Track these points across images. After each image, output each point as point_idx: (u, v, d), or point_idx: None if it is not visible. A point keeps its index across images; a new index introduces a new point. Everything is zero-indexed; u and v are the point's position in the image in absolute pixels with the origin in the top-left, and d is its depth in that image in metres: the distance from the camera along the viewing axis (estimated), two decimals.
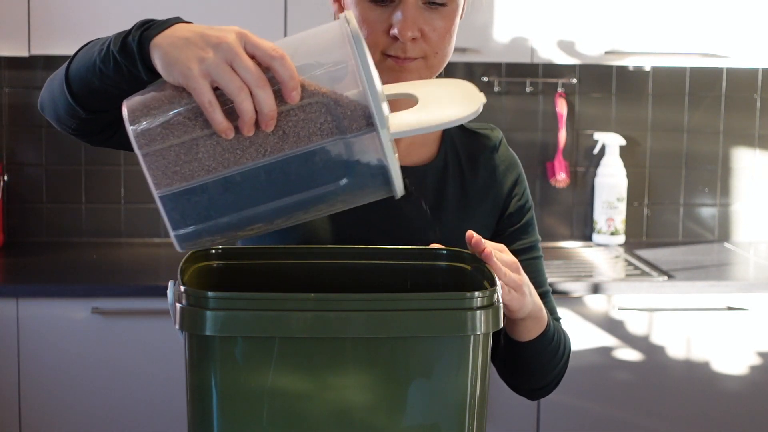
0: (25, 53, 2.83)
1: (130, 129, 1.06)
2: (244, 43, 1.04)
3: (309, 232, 1.41)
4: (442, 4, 1.35)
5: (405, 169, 1.44)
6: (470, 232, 1.23)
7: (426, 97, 1.18)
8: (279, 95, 1.04)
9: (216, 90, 1.03)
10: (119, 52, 1.12)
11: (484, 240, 1.24)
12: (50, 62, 3.15)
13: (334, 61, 1.06)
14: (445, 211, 1.45)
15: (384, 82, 1.38)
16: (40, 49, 2.82)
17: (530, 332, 1.37)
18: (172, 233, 1.11)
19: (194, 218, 1.09)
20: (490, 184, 1.49)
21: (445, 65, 1.42)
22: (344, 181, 1.08)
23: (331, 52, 1.06)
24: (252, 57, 1.03)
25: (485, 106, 1.22)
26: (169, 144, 1.05)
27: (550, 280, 2.73)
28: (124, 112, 1.07)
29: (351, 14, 1.09)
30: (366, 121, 1.05)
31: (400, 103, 1.21)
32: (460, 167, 1.48)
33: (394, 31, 1.33)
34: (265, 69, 1.03)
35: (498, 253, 1.25)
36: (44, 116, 1.29)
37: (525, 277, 1.29)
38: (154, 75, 1.10)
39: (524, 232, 1.51)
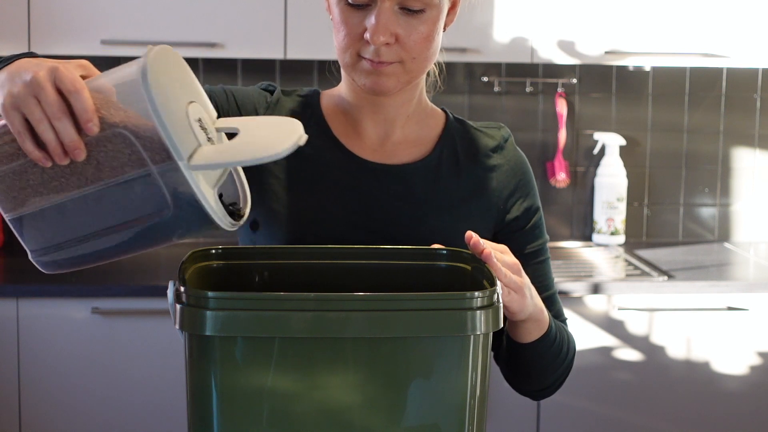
0: None
1: None
2: (54, 77, 1.09)
3: (295, 232, 1.41)
4: (420, 10, 1.34)
5: (390, 168, 1.44)
6: (469, 233, 1.23)
7: (247, 133, 1.19)
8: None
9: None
10: None
11: (484, 240, 1.23)
12: None
13: (132, 93, 1.10)
14: (436, 209, 1.44)
15: (362, 84, 1.38)
16: (40, 49, 2.82)
17: (531, 334, 1.37)
18: (30, 255, 1.18)
19: (42, 242, 1.16)
20: (489, 184, 1.48)
21: (426, 69, 1.41)
22: (167, 211, 1.11)
23: (129, 85, 1.10)
24: (60, 91, 1.09)
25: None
26: (2, 172, 1.14)
27: None
28: None
29: (156, 49, 1.11)
30: (166, 152, 1.09)
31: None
32: (456, 166, 1.47)
33: (367, 35, 1.33)
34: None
35: (499, 254, 1.25)
36: None
37: (526, 279, 1.28)
38: None
39: (532, 236, 1.50)
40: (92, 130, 1.09)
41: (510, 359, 1.44)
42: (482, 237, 1.35)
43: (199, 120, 1.16)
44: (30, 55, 1.20)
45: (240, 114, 1.45)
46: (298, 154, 1.41)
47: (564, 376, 1.48)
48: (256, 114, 1.46)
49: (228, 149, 1.15)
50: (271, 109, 1.47)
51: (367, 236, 1.40)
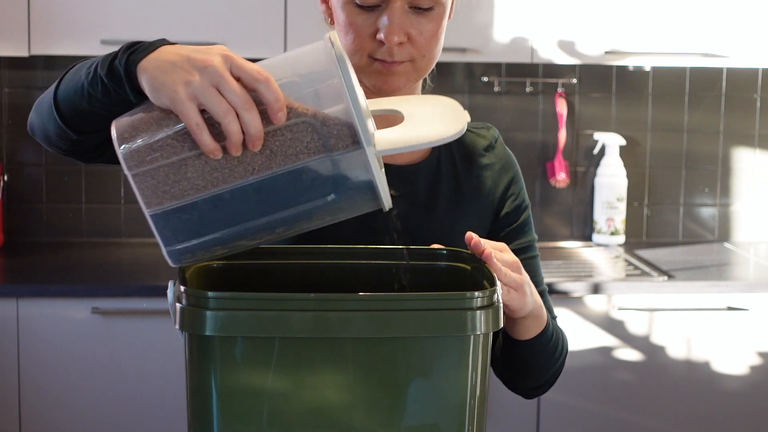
0: (25, 53, 2.83)
1: (119, 150, 1.08)
2: (230, 65, 1.06)
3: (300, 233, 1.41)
4: (429, 8, 1.35)
5: (395, 169, 1.44)
6: (470, 234, 1.24)
7: (412, 114, 1.20)
8: (265, 116, 1.06)
9: (204, 112, 1.05)
10: (107, 76, 1.13)
11: (484, 240, 1.24)
12: (50, 62, 3.15)
13: (319, 82, 1.08)
14: (437, 209, 1.45)
15: (371, 85, 1.38)
16: (40, 49, 2.82)
17: (530, 331, 1.37)
18: (164, 249, 1.13)
19: (185, 235, 1.11)
20: (485, 184, 1.49)
21: (433, 66, 1.42)
22: (332, 196, 1.10)
23: (316, 73, 1.08)
24: (237, 79, 1.05)
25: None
26: (157, 165, 1.07)
27: (550, 280, 2.74)
28: (113, 133, 1.09)
29: (335, 35, 1.10)
30: (352, 139, 1.07)
31: (388, 119, 1.22)
32: (453, 166, 1.48)
33: (381, 35, 1.33)
34: (251, 91, 1.05)
35: (498, 253, 1.25)
36: (35, 138, 1.30)
37: (526, 277, 1.29)
38: (142, 97, 1.11)
39: (521, 232, 1.51)
40: (281, 120, 1.05)
41: (506, 357, 1.44)
42: (481, 236, 1.35)
43: (366, 107, 1.15)
44: (164, 42, 1.13)
45: None
46: None
47: (558, 373, 1.49)
48: None
49: (404, 136, 1.14)
50: None
51: (370, 236, 1.40)
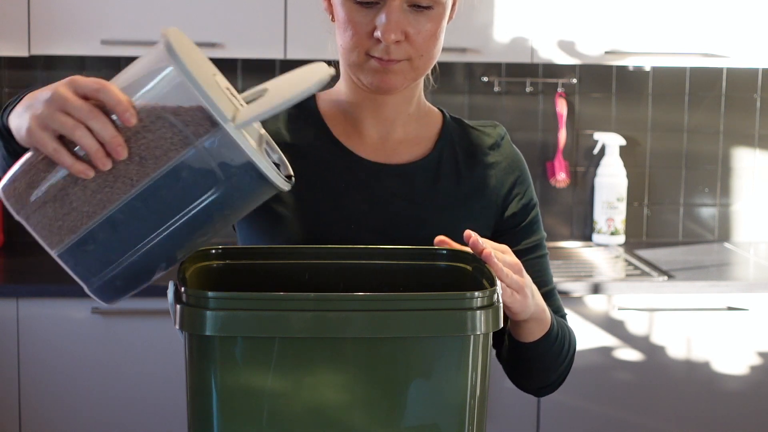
0: (25, 53, 2.83)
1: (3, 200, 1.12)
2: (73, 87, 1.08)
3: (299, 233, 1.40)
4: (428, 7, 1.35)
5: (392, 168, 1.44)
6: (468, 232, 1.23)
7: (275, 85, 1.19)
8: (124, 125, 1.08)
9: (64, 138, 1.08)
10: None
11: (484, 240, 1.23)
12: (50, 62, 3.15)
13: (158, 74, 1.08)
14: (437, 208, 1.44)
15: (368, 83, 1.38)
16: (40, 49, 2.82)
17: (533, 334, 1.37)
18: (87, 289, 1.14)
19: (97, 267, 1.12)
20: (488, 182, 1.48)
21: (432, 66, 1.41)
22: (220, 188, 1.09)
23: (156, 69, 1.08)
24: (84, 98, 1.07)
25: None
26: (41, 201, 1.10)
27: None
28: None
29: (171, 30, 1.10)
30: (209, 121, 1.07)
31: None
32: (456, 164, 1.47)
33: (378, 33, 1.33)
34: (98, 103, 1.08)
35: (500, 254, 1.25)
36: None
37: (528, 279, 1.28)
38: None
39: (529, 231, 1.50)
40: (131, 121, 1.06)
41: (512, 358, 1.44)
42: (483, 235, 1.35)
43: (228, 89, 1.14)
44: (28, 91, 1.18)
45: None
46: (299, 155, 1.41)
47: (566, 373, 1.49)
48: None
49: (265, 102, 1.13)
50: None
51: (369, 236, 1.40)
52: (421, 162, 1.46)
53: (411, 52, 1.36)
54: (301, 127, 1.46)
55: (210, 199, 1.09)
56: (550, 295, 1.49)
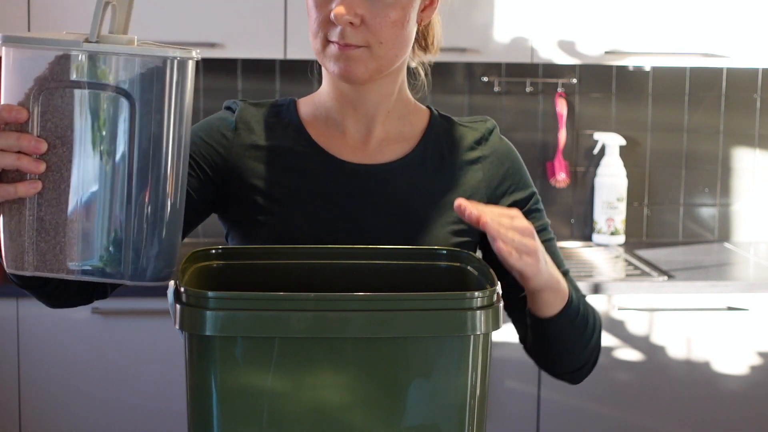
0: None
1: (10, 273, 1.17)
2: None
3: (283, 240, 1.39)
4: None
5: (374, 168, 1.42)
6: (458, 202, 1.22)
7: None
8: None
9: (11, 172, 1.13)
10: None
11: (483, 207, 1.22)
12: None
13: (19, 65, 1.12)
14: (421, 206, 1.42)
15: (332, 70, 1.37)
16: None
17: (552, 306, 1.35)
18: (131, 283, 1.15)
19: (117, 254, 1.13)
20: (475, 176, 1.46)
21: (398, 58, 1.38)
22: (130, 97, 1.10)
23: (13, 69, 1.12)
24: None
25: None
26: (29, 245, 1.13)
27: None
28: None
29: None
30: (72, 60, 1.10)
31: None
32: (441, 161, 1.45)
33: (332, 14, 1.33)
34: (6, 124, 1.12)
35: (506, 220, 1.23)
36: None
37: (539, 244, 1.26)
38: None
39: (530, 218, 1.45)
40: (21, 115, 1.10)
41: (538, 341, 1.42)
42: (473, 232, 1.34)
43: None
44: None
45: (216, 147, 1.44)
46: (278, 163, 1.41)
47: (596, 353, 1.47)
48: (224, 138, 1.44)
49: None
50: (239, 125, 1.45)
51: (354, 238, 1.39)
52: (403, 160, 1.44)
53: (369, 38, 1.34)
54: (279, 135, 1.45)
55: (137, 111, 1.10)
56: (564, 277, 1.46)
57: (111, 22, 1.15)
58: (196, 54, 1.13)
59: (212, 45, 2.84)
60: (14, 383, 2.67)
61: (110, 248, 1.12)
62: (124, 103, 1.09)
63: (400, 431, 1.08)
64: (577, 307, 1.39)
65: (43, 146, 1.10)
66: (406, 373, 1.08)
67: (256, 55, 2.89)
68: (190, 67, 1.13)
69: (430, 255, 1.29)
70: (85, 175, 1.11)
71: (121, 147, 1.10)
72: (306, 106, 1.48)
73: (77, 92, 1.09)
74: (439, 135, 1.47)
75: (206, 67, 3.15)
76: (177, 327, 1.07)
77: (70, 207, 1.11)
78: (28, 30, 2.81)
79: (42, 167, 1.11)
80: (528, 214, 1.47)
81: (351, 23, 1.32)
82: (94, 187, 1.11)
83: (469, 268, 1.26)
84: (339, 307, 1.05)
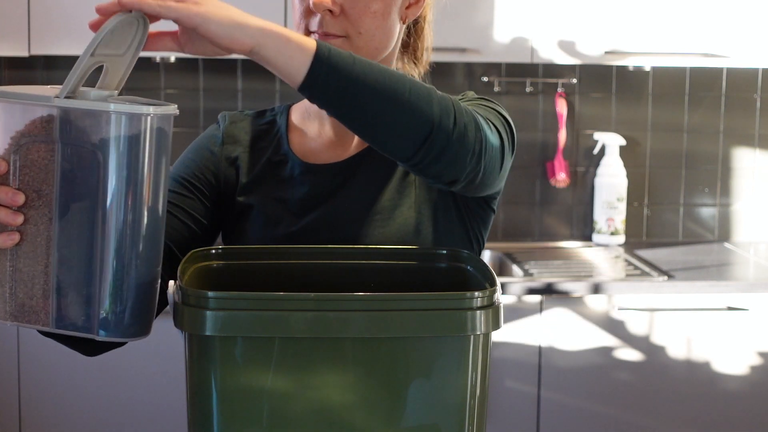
0: (25, 53, 2.83)
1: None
2: None
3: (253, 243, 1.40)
4: None
5: (339, 165, 1.41)
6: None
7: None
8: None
9: None
10: None
11: None
12: (50, 62, 3.15)
13: None
14: (389, 192, 1.40)
15: None
16: (40, 49, 2.82)
17: (291, 64, 1.10)
18: (101, 338, 1.15)
19: (87, 309, 1.13)
20: None
21: (378, 51, 1.37)
22: (104, 154, 1.08)
23: None
24: None
25: None
26: (6, 297, 1.13)
27: (550, 280, 2.74)
28: None
29: None
30: (48, 119, 1.08)
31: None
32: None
33: (311, 2, 1.32)
34: None
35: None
36: None
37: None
38: None
39: None
40: (1, 170, 1.10)
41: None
42: (449, 208, 1.33)
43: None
44: None
45: (208, 164, 1.44)
46: (254, 176, 1.42)
47: (444, 117, 1.18)
48: (212, 154, 1.44)
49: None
50: (225, 139, 1.45)
51: (330, 236, 1.38)
52: (363, 152, 1.42)
53: (348, 28, 1.34)
54: (262, 145, 1.46)
55: (109, 169, 1.08)
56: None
57: (102, 79, 1.14)
58: (174, 110, 1.10)
59: None
60: (14, 383, 2.67)
61: (82, 303, 1.12)
62: (99, 160, 1.08)
63: (400, 431, 1.08)
64: (339, 58, 1.12)
65: (20, 198, 1.10)
66: (406, 373, 1.08)
67: None
68: (170, 122, 1.11)
69: (430, 255, 1.29)
70: (62, 229, 1.11)
71: (95, 204, 1.09)
72: (297, 110, 1.49)
73: (54, 147, 1.09)
74: None
75: (206, 67, 3.15)
76: (177, 327, 1.07)
77: (46, 260, 1.12)
78: (28, 30, 2.81)
79: (19, 220, 1.10)
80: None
81: (330, 12, 1.32)
82: (69, 242, 1.11)
83: (469, 268, 1.26)
84: (339, 307, 1.05)
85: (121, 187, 1.09)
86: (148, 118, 1.07)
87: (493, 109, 1.37)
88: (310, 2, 1.33)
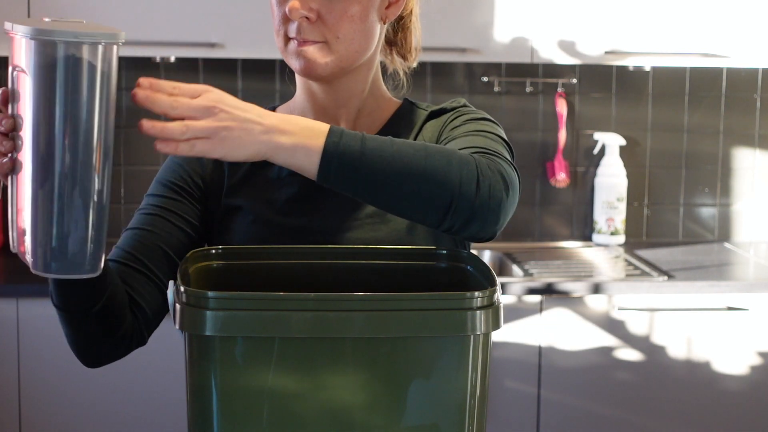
0: None
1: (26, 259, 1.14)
2: None
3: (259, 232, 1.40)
4: None
5: None
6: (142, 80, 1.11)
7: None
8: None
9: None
10: None
11: (149, 81, 1.10)
12: None
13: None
14: (369, 205, 1.38)
15: (295, 68, 1.36)
16: None
17: (305, 164, 1.14)
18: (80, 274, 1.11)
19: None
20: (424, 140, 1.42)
21: (358, 55, 1.37)
22: (58, 80, 1.07)
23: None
24: None
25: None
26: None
27: (550, 280, 2.75)
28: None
29: None
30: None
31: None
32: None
33: (287, 9, 1.33)
34: None
35: (183, 100, 1.09)
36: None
37: (238, 112, 1.11)
38: None
39: (458, 124, 1.38)
40: (4, 97, 1.11)
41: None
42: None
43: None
44: None
45: (195, 168, 1.45)
46: (241, 181, 1.42)
47: (465, 184, 1.16)
48: (198, 158, 1.44)
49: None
50: None
51: (320, 239, 1.37)
52: None
53: (326, 33, 1.34)
54: None
55: (28, 96, 1.08)
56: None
57: None
58: (101, 38, 1.07)
59: (212, 45, 2.84)
60: (14, 383, 2.67)
61: (34, 239, 1.10)
62: (48, 86, 1.07)
63: (401, 431, 1.08)
64: (350, 150, 1.14)
65: (7, 123, 1.09)
66: (406, 373, 1.08)
67: (256, 55, 2.89)
68: (114, 51, 1.09)
69: (430, 255, 1.29)
70: (26, 162, 1.09)
71: (48, 132, 1.08)
72: (283, 111, 1.49)
73: (22, 76, 1.09)
74: (399, 123, 1.45)
75: (206, 67, 3.15)
76: (177, 327, 1.08)
77: (19, 194, 1.12)
78: None
79: (6, 144, 1.10)
80: (455, 119, 1.40)
81: (307, 18, 1.33)
82: (31, 175, 1.09)
83: (469, 268, 1.26)
84: (339, 307, 1.05)
85: (73, 111, 1.07)
86: (60, 46, 1.06)
87: (495, 134, 1.36)
88: (286, 9, 1.33)
